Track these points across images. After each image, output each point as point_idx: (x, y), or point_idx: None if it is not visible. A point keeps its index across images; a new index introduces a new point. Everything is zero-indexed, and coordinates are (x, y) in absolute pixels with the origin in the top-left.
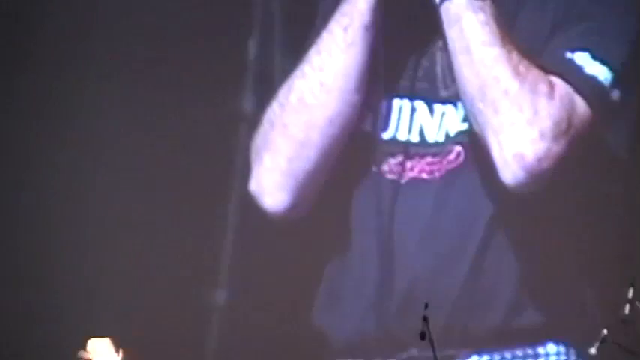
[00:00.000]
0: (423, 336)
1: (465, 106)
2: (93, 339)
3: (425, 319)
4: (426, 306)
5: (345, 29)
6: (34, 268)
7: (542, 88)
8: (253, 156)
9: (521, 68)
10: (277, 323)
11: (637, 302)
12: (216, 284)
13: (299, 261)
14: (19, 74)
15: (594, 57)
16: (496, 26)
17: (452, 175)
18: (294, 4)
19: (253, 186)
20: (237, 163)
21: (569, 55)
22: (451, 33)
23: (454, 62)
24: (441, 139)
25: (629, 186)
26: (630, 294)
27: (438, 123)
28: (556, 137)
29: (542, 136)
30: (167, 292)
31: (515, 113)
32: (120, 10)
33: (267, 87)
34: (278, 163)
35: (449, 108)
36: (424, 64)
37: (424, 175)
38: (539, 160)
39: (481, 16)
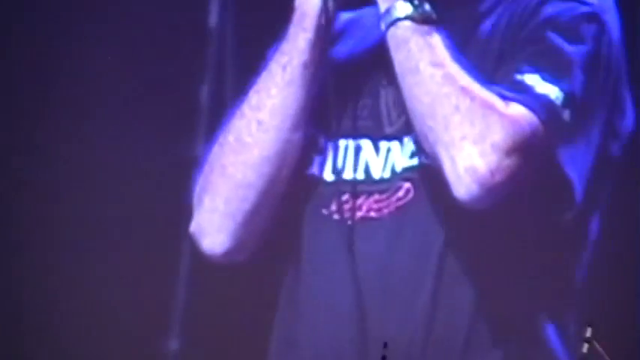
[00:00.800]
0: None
1: (415, 128)
2: None
3: (384, 358)
4: (385, 345)
5: (284, 68)
6: None
7: (494, 103)
8: (195, 200)
9: (473, 86)
10: None
11: (595, 342)
12: (168, 332)
13: (250, 307)
14: None
15: (544, 79)
16: (444, 49)
17: (401, 211)
18: (246, 51)
19: (193, 228)
20: (188, 209)
21: (519, 77)
22: (398, 55)
23: (403, 85)
24: (387, 175)
25: (584, 211)
26: (588, 333)
27: (383, 159)
28: (508, 151)
29: (494, 148)
30: (119, 340)
31: (466, 127)
32: (78, 53)
33: (218, 131)
34: (217, 205)
35: (394, 144)
36: (368, 103)
37: (372, 214)
38: (492, 172)
39: (429, 39)
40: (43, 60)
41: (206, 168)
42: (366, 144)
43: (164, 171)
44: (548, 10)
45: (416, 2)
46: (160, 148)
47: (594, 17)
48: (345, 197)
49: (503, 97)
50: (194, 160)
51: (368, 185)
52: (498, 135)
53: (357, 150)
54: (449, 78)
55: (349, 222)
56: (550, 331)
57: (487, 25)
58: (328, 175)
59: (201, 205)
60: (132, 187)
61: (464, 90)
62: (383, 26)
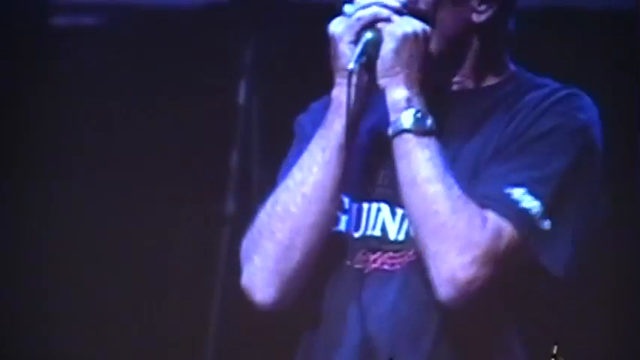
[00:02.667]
0: None
1: (410, 224)
2: None
3: None
4: None
5: (324, 149)
6: None
7: (476, 221)
8: (243, 257)
9: (459, 203)
10: None
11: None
12: None
13: (277, 346)
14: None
15: (529, 192)
16: (439, 162)
17: (412, 266)
18: (270, 122)
19: (245, 282)
20: (220, 260)
21: (508, 189)
22: (400, 165)
23: (402, 190)
24: (402, 237)
25: (568, 303)
26: (555, 350)
27: (398, 224)
28: (485, 263)
29: (472, 262)
30: None
31: (450, 243)
32: (113, 122)
33: (246, 192)
34: (267, 264)
35: None
36: (389, 173)
37: (386, 267)
38: (469, 282)
39: (427, 153)
40: (92, 130)
41: (255, 232)
42: (384, 207)
43: (198, 225)
44: (542, 125)
45: (418, 115)
46: (194, 205)
47: (582, 132)
48: (363, 250)
49: (486, 211)
50: (225, 216)
51: (384, 244)
52: (477, 251)
53: (377, 212)
54: (439, 196)
55: (366, 271)
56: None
57: (484, 129)
58: (352, 232)
59: (251, 262)
60: (169, 239)
61: (452, 208)
62: (390, 133)
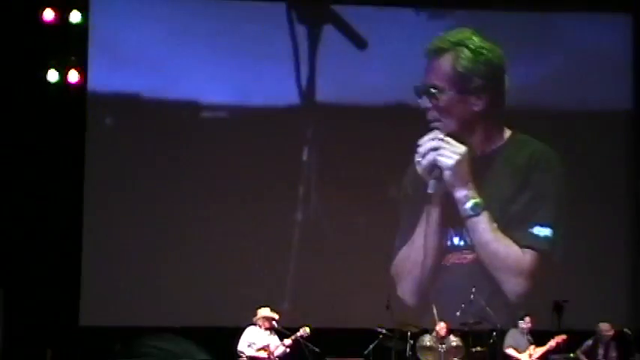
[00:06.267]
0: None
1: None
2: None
3: (388, 301)
4: (388, 296)
5: (430, 224)
6: None
7: (519, 256)
8: (396, 278)
9: (508, 250)
10: None
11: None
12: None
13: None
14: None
15: (542, 226)
16: (489, 227)
17: (473, 261)
18: (321, 170)
19: (400, 294)
20: (293, 245)
21: (530, 229)
22: (471, 234)
23: (476, 248)
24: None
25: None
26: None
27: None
28: (527, 279)
29: (522, 280)
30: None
31: (509, 272)
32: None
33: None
34: (410, 284)
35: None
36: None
37: (459, 261)
38: (521, 294)
39: (482, 225)
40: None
41: (396, 268)
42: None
43: (277, 228)
44: (534, 177)
45: (475, 204)
46: (278, 215)
47: (558, 180)
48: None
49: (525, 243)
50: (295, 222)
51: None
52: (523, 275)
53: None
54: (496, 249)
55: (448, 264)
56: None
57: (499, 179)
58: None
59: (400, 285)
60: (263, 234)
61: (505, 253)
62: (463, 216)
